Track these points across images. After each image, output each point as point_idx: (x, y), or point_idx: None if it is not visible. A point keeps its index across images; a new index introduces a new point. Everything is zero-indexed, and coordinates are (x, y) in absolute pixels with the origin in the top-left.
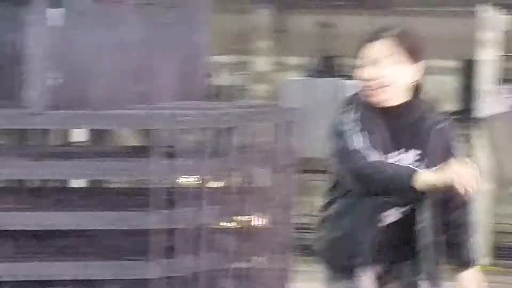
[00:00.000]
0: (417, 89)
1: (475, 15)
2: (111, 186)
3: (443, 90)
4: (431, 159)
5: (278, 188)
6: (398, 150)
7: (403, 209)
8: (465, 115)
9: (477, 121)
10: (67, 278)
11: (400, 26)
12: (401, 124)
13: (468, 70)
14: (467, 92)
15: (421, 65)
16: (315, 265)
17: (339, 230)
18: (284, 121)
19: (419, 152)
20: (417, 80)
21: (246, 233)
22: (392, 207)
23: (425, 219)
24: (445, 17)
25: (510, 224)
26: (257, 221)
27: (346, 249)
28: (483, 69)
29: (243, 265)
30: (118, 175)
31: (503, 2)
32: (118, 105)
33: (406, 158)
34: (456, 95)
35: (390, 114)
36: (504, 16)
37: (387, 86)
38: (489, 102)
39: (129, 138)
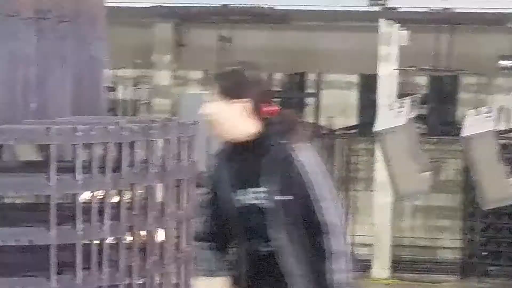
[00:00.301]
0: (267, 124)
1: (375, 29)
2: (10, 201)
3: (344, 104)
4: (283, 192)
5: (178, 203)
6: (241, 187)
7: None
8: (365, 129)
9: (376, 135)
10: None
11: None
12: (246, 160)
13: (368, 84)
14: (367, 106)
15: (244, 102)
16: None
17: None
18: (186, 135)
19: (263, 189)
20: (261, 116)
21: (146, 248)
22: (259, 241)
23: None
24: (345, 31)
25: (408, 237)
26: (157, 235)
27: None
28: (382, 84)
29: (144, 280)
30: (18, 190)
31: (402, 17)
32: (14, 119)
33: (247, 196)
34: (357, 109)
35: (237, 150)
36: (403, 31)
37: (216, 122)
38: (386, 116)
39: (27, 153)
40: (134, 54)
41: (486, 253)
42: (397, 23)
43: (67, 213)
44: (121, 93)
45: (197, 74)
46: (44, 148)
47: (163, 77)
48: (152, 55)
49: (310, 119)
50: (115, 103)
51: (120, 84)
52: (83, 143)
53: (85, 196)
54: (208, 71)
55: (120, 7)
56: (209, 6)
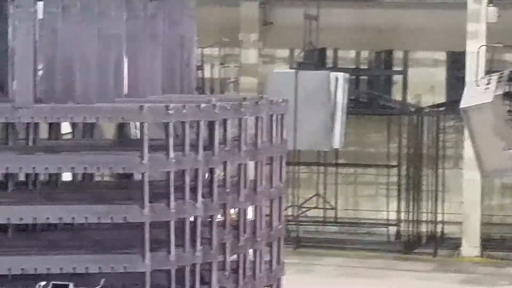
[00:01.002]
0: None
1: (463, 7)
2: (101, 179)
3: (432, 81)
4: None
5: (269, 180)
6: None
7: None
8: (453, 106)
9: (462, 111)
10: (54, 272)
11: None
12: None
13: (455, 61)
14: (455, 83)
15: None
16: (307, 257)
17: None
18: (276, 113)
19: None
20: None
21: (237, 225)
22: None
23: None
24: (433, 8)
25: (498, 215)
26: (248, 213)
27: None
28: (470, 61)
29: (235, 257)
30: (112, 168)
31: None
32: (106, 98)
33: None
34: (445, 87)
35: None
36: (491, 7)
37: None
38: (472, 93)
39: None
40: (221, 33)
41: None
42: (485, 0)
43: (160, 191)
44: (208, 72)
45: (284, 53)
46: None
47: (250, 56)
48: (239, 34)
49: (397, 97)
50: (203, 81)
51: (207, 62)
52: (175, 121)
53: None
54: (295, 49)
55: None
56: None
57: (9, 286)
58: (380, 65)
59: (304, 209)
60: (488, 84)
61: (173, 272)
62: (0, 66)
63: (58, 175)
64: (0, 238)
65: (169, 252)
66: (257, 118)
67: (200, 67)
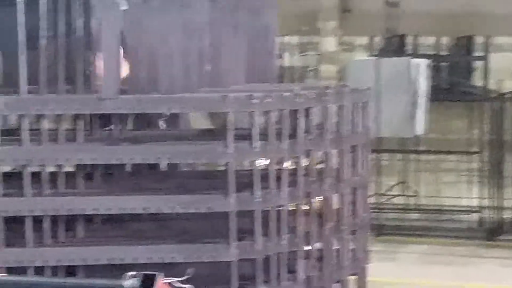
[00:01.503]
0: None
1: None
2: (186, 169)
3: None
4: None
5: (353, 169)
6: None
7: None
8: None
9: None
10: (140, 261)
11: None
12: None
13: None
14: None
15: None
16: (390, 245)
17: None
18: (360, 101)
19: None
20: None
21: (322, 214)
22: None
23: None
24: None
25: None
26: (333, 202)
27: None
28: None
29: (320, 246)
30: (197, 158)
31: None
32: (189, 88)
33: None
34: None
35: None
36: None
37: None
38: None
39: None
40: (300, 21)
41: None
42: None
43: (244, 180)
44: (288, 60)
45: (363, 40)
46: (217, 116)
47: (329, 44)
48: (318, 22)
49: (478, 83)
50: (282, 70)
51: (286, 51)
52: (259, 111)
53: (260, 163)
54: (374, 36)
55: None
56: None
57: (97, 276)
58: (460, 51)
59: (387, 197)
60: None
61: (259, 261)
62: (85, 59)
63: (143, 165)
64: (87, 228)
65: (254, 241)
66: (340, 106)
67: (279, 56)
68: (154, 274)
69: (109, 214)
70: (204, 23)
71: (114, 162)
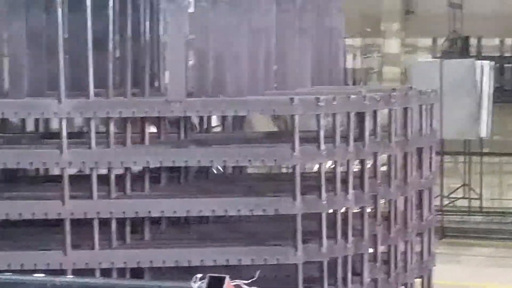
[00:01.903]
0: None
1: None
2: (251, 171)
3: None
4: None
5: (419, 171)
6: None
7: None
8: None
9: None
10: (207, 264)
11: None
12: None
13: None
14: None
15: None
16: (454, 247)
17: None
18: (426, 104)
19: None
20: None
21: (388, 217)
22: None
23: None
24: None
25: None
26: (399, 204)
27: None
28: None
29: (386, 248)
30: (264, 161)
31: None
32: (256, 91)
33: None
34: None
35: None
36: None
37: None
38: None
39: (262, 124)
40: (363, 23)
41: None
42: None
43: (310, 183)
44: (351, 62)
45: (427, 42)
46: (281, 119)
47: (392, 45)
48: (381, 23)
49: None
50: (345, 72)
51: (350, 53)
52: (325, 113)
53: (325, 165)
54: (437, 38)
55: None
56: None
57: (163, 279)
58: None
59: (451, 199)
60: None
61: (325, 264)
62: (151, 62)
63: (209, 168)
64: (153, 230)
65: (321, 244)
66: (406, 109)
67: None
68: (222, 277)
69: (175, 217)
70: (270, 25)
71: (181, 164)
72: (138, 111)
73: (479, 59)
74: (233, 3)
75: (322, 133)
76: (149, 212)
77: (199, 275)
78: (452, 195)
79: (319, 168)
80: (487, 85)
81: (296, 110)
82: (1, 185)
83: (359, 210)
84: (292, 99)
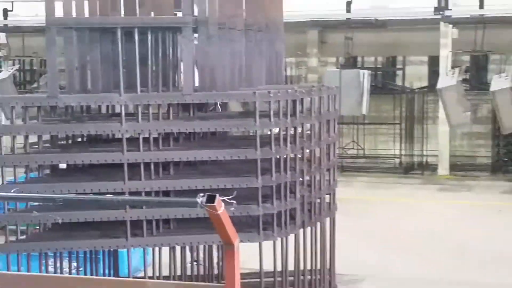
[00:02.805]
0: None
1: (437, 28)
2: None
3: (420, 74)
4: None
5: (328, 133)
6: None
7: None
8: (432, 88)
9: (438, 91)
10: (207, 187)
11: None
12: None
13: (434, 61)
14: (433, 74)
15: None
16: (348, 177)
17: None
18: (331, 94)
19: None
20: None
21: (310, 160)
22: None
23: None
24: (417, 31)
25: (459, 151)
26: (316, 152)
27: None
28: (442, 60)
29: (309, 177)
30: (237, 128)
31: (454, 21)
32: (234, 87)
33: None
34: (427, 76)
35: None
36: (454, 29)
37: None
38: (444, 79)
39: (237, 107)
40: (296, 48)
41: (506, 159)
42: (450, 24)
43: (265, 141)
44: (289, 71)
45: (333, 59)
46: (247, 104)
47: (313, 62)
48: (307, 48)
49: (399, 83)
50: (286, 78)
51: (288, 66)
52: (273, 100)
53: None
54: (339, 57)
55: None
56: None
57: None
58: (389, 64)
59: (345, 149)
60: (453, 74)
61: (274, 187)
62: (175, 72)
63: (207, 133)
64: (175, 169)
65: (271, 175)
66: (320, 97)
67: (285, 69)
68: (214, 195)
69: (188, 161)
70: (241, 50)
71: (190, 131)
72: (166, 100)
73: (362, 69)
74: (220, 37)
75: (272, 112)
76: (172, 158)
77: (201, 194)
78: (347, 147)
79: (270, 132)
80: (366, 84)
81: (257, 99)
82: (86, 144)
83: (293, 156)
84: (254, 93)
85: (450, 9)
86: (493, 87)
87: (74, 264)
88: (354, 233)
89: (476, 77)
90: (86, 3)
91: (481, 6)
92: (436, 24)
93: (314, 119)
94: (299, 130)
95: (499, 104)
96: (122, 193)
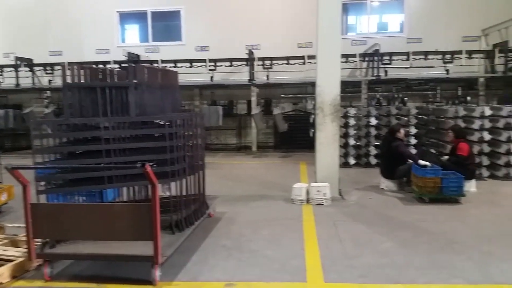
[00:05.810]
0: None
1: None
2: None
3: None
4: None
5: (201, 133)
6: None
7: None
8: (250, 114)
9: (252, 115)
10: (142, 160)
11: None
12: None
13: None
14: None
15: None
16: (212, 155)
17: None
18: (202, 115)
19: None
20: None
21: (192, 146)
22: None
23: None
24: None
25: (261, 139)
26: (194, 143)
27: None
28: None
29: (190, 154)
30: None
31: None
32: (156, 113)
33: None
34: (246, 108)
35: None
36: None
37: None
38: (255, 109)
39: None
40: (188, 96)
41: (281, 143)
42: (255, 87)
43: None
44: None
45: (206, 101)
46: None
47: (196, 102)
48: (193, 96)
49: (235, 111)
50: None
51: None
52: (177, 119)
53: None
54: (208, 100)
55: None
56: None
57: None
58: (231, 103)
59: (212, 141)
60: (257, 106)
61: (176, 159)
62: (125, 106)
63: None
64: (128, 153)
65: (173, 152)
66: (197, 117)
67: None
68: (145, 162)
69: (134, 148)
70: (158, 97)
71: (133, 134)
72: (123, 120)
73: (219, 105)
74: (148, 91)
75: (175, 124)
76: (126, 147)
77: (139, 162)
78: (212, 140)
79: (175, 133)
80: (221, 112)
81: (168, 118)
82: (85, 142)
83: (185, 144)
84: (170, 116)
85: (254, 80)
86: (274, 112)
87: (82, 198)
88: (214, 176)
89: (266, 108)
90: (82, 73)
91: (268, 78)
92: (249, 86)
93: (194, 127)
94: (187, 133)
95: (276, 119)
96: (102, 164)
